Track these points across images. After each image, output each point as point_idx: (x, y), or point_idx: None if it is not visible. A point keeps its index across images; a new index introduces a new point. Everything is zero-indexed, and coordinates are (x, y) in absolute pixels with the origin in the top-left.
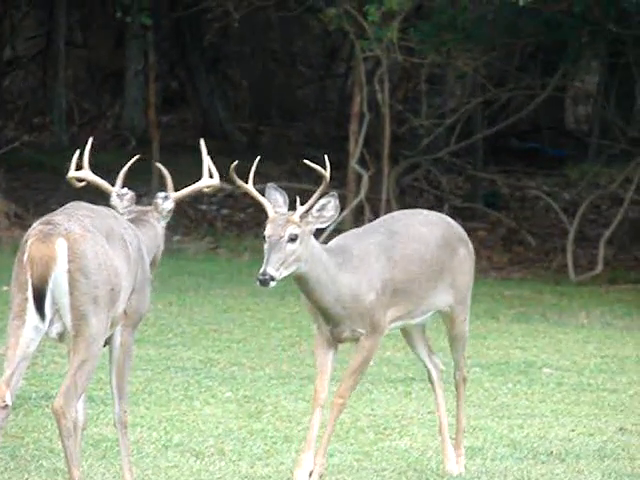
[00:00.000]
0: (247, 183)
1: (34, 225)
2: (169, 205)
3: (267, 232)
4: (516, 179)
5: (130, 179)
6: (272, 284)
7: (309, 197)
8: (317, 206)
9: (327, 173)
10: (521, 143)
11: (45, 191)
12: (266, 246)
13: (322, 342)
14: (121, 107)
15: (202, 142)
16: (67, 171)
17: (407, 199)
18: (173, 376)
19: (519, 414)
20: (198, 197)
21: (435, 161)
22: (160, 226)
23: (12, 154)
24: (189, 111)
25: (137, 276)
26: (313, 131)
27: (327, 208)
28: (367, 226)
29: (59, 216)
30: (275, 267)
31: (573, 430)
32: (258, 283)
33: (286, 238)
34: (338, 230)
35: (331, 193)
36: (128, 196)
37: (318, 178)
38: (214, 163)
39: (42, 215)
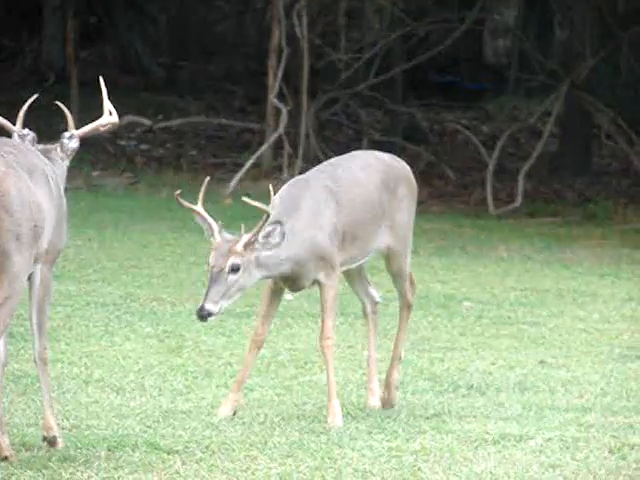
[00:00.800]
0: (196, 203)
1: None
2: (74, 144)
3: (210, 261)
4: (435, 113)
5: (49, 116)
6: (211, 319)
7: (227, 133)
8: (263, 233)
9: (269, 209)
10: (440, 76)
11: None
12: (208, 277)
13: (273, 290)
14: (39, 43)
15: (101, 80)
16: None
17: (326, 133)
18: (93, 312)
19: (439, 347)
20: (117, 132)
21: (354, 95)
22: (64, 164)
23: None
24: (108, 47)
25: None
26: (232, 66)
27: (273, 235)
28: (310, 172)
29: None
30: (214, 300)
31: (493, 363)
32: (196, 318)
33: (227, 269)
34: (257, 164)
35: (276, 220)
36: (29, 137)
37: (237, 113)
38: (134, 99)
39: None
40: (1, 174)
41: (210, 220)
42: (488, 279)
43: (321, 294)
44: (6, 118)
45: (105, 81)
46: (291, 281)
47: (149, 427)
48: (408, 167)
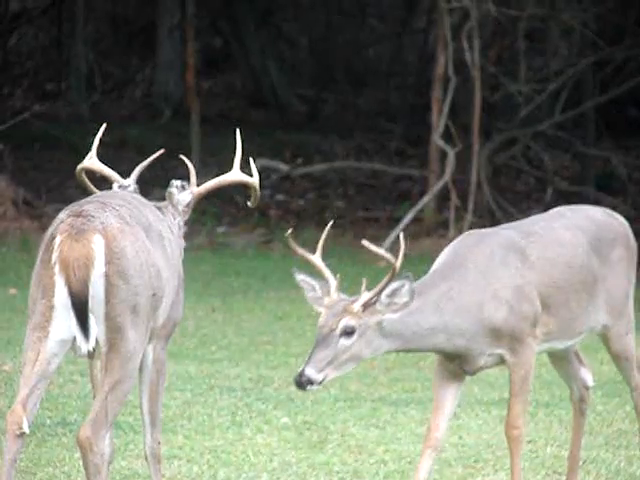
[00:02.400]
0: (314, 252)
1: (60, 216)
2: (186, 197)
3: (320, 322)
4: (636, 157)
5: (165, 160)
6: (311, 388)
7: (381, 181)
8: (387, 291)
9: (398, 262)
10: None
11: (60, 172)
12: (315, 339)
13: (442, 371)
14: (153, 70)
15: (237, 133)
16: (89, 148)
17: (502, 181)
18: (218, 398)
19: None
20: None
21: (536, 135)
22: (176, 222)
23: (20, 127)
24: (236, 75)
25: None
26: (387, 99)
27: (400, 294)
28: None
29: (91, 205)
30: (318, 368)
31: None
32: (294, 384)
33: (339, 332)
34: (417, 219)
35: (405, 275)
36: (131, 188)
37: (394, 156)
38: (267, 138)
39: (57, 203)
40: (115, 231)
41: (328, 274)
42: None
43: (510, 374)
44: (113, 160)
45: (231, 116)
46: (461, 358)
47: None
48: (626, 223)
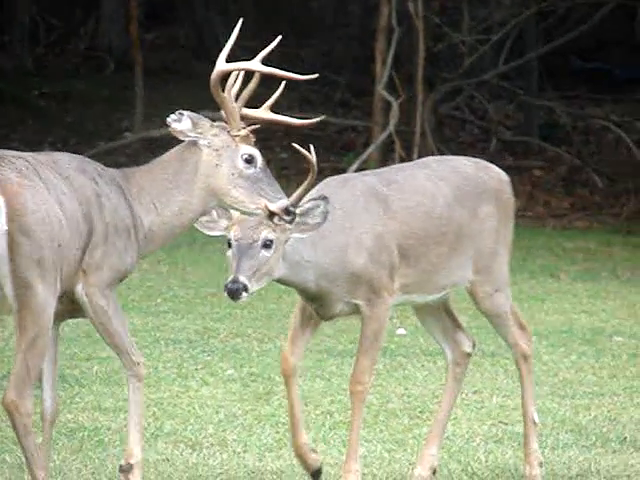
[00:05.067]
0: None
1: None
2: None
3: (235, 234)
4: (579, 106)
5: (110, 110)
6: (244, 297)
7: (325, 132)
8: (300, 210)
9: (313, 159)
10: (584, 63)
11: (5, 125)
12: (233, 251)
13: (302, 314)
14: (96, 23)
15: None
16: (33, 100)
17: (446, 132)
18: (163, 350)
19: (585, 393)
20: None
21: (480, 85)
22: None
23: None
24: (180, 27)
25: (96, 223)
26: (331, 51)
27: (312, 214)
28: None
29: None
30: (248, 276)
31: None
32: (227, 294)
33: (260, 243)
34: (362, 170)
35: (321, 195)
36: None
37: (338, 107)
38: (208, 92)
39: None
40: (15, 187)
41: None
42: None
43: (362, 325)
44: (56, 113)
45: (176, 69)
46: (319, 302)
47: None
48: (504, 178)
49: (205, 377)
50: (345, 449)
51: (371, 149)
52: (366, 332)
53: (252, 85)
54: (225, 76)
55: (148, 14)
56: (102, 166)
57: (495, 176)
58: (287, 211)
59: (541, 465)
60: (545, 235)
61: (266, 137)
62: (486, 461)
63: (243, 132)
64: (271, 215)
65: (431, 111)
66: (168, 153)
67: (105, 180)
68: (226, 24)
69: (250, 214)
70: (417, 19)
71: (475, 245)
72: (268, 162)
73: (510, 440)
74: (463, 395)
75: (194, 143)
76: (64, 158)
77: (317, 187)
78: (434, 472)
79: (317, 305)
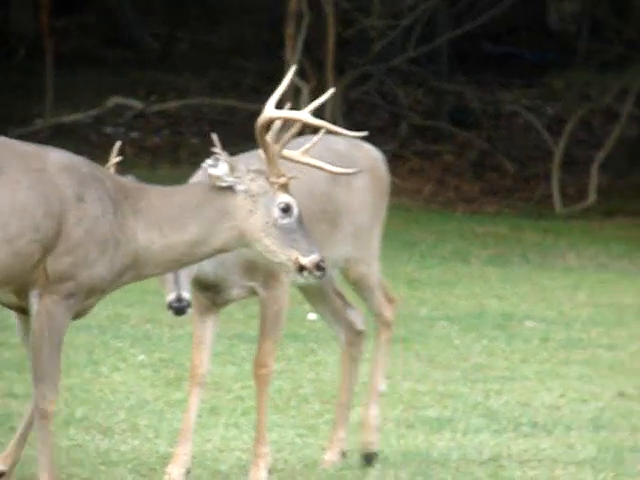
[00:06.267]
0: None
1: None
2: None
3: None
4: (489, 91)
5: (20, 96)
6: (189, 311)
7: (236, 118)
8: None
9: (218, 149)
10: (494, 47)
11: None
12: None
13: (199, 307)
14: (6, 9)
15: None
16: None
17: (356, 116)
18: (74, 336)
19: (496, 377)
20: (101, 118)
21: (390, 70)
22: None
23: None
24: (91, 13)
25: (71, 228)
26: (241, 37)
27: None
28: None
29: None
30: (188, 289)
31: (562, 396)
32: (172, 313)
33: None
34: None
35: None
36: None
37: (248, 93)
38: (122, 76)
39: None
40: None
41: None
42: (555, 293)
43: (261, 309)
44: None
45: (86, 55)
46: (215, 290)
47: (144, 476)
48: (377, 156)
49: (116, 363)
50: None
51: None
52: (266, 315)
53: (294, 130)
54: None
55: (59, 1)
56: (109, 174)
57: (368, 153)
58: (318, 266)
59: (344, 455)
60: (456, 220)
61: (176, 122)
62: (398, 445)
63: (282, 180)
64: (301, 269)
65: (341, 96)
66: (196, 184)
67: (97, 186)
68: (136, 9)
69: (280, 265)
70: (327, 4)
71: (353, 221)
72: (177, 148)
73: (422, 425)
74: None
75: (230, 187)
76: (55, 155)
77: (198, 172)
78: (344, 455)
79: (213, 293)
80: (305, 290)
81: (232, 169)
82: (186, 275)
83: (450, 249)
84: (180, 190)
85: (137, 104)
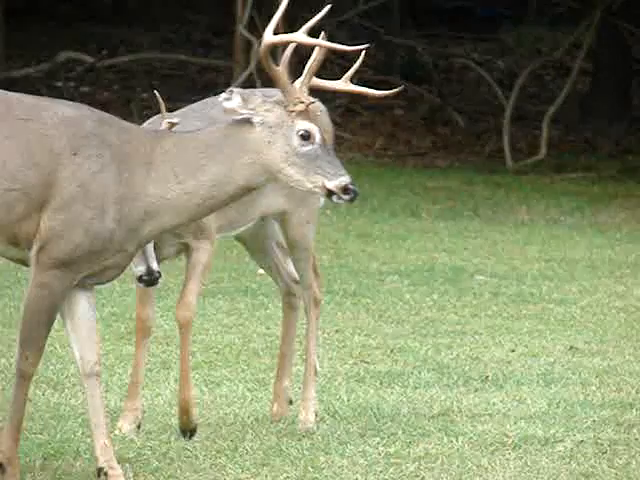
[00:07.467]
0: None
1: None
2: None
3: None
4: (440, 46)
5: None
6: (160, 282)
7: (186, 72)
8: None
9: (163, 108)
10: (446, 1)
11: None
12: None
13: None
14: None
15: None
16: None
17: None
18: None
19: (447, 332)
20: (52, 72)
21: (340, 24)
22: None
23: None
24: None
25: (63, 182)
26: None
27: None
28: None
29: None
30: (155, 258)
31: (513, 350)
32: (143, 285)
33: None
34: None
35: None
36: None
37: (199, 47)
38: (72, 30)
39: None
40: None
41: None
42: (505, 248)
43: (190, 259)
44: None
45: (37, 10)
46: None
47: None
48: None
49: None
50: (207, 387)
51: (232, 88)
52: (199, 258)
53: (319, 57)
54: (273, 49)
55: None
56: (123, 127)
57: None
58: (346, 189)
59: (316, 414)
60: (406, 174)
61: (127, 77)
62: (348, 400)
63: (300, 107)
64: (330, 194)
65: (292, 50)
66: (215, 126)
67: (98, 141)
68: None
69: (309, 193)
70: None
71: None
72: (128, 102)
73: (372, 379)
74: (325, 334)
75: (246, 120)
76: (59, 107)
77: (148, 121)
78: (290, 403)
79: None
80: (249, 246)
81: (246, 101)
82: (150, 247)
83: (401, 203)
84: (196, 134)
85: (88, 58)
